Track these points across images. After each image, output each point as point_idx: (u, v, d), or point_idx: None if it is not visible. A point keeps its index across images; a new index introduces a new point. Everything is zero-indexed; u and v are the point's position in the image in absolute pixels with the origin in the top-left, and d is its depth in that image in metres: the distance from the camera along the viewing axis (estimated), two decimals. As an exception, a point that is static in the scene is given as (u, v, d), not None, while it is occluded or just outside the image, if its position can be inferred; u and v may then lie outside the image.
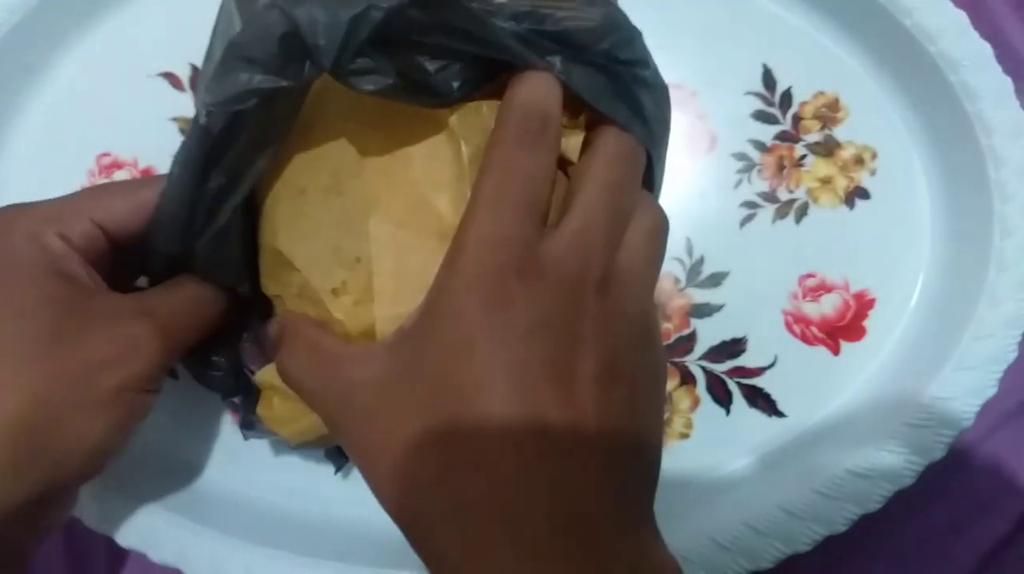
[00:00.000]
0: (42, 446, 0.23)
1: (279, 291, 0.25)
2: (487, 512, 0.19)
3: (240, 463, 0.33)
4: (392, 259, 0.22)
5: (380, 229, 0.23)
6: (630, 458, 0.20)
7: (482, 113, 0.23)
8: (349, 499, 0.32)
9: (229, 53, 0.20)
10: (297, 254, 0.24)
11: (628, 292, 0.22)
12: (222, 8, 0.24)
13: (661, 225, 0.24)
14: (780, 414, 0.32)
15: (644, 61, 0.24)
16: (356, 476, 0.32)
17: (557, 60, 0.22)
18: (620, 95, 0.23)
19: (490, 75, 0.23)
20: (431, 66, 0.22)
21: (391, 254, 0.22)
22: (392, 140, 0.23)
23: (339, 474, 0.32)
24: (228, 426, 0.33)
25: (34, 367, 0.22)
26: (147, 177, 0.31)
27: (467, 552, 0.19)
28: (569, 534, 0.19)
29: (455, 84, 0.22)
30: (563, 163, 0.23)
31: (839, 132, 0.33)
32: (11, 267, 0.24)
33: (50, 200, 0.25)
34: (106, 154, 0.34)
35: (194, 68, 0.34)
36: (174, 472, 0.33)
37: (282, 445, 0.33)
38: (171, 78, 0.34)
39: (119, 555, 0.31)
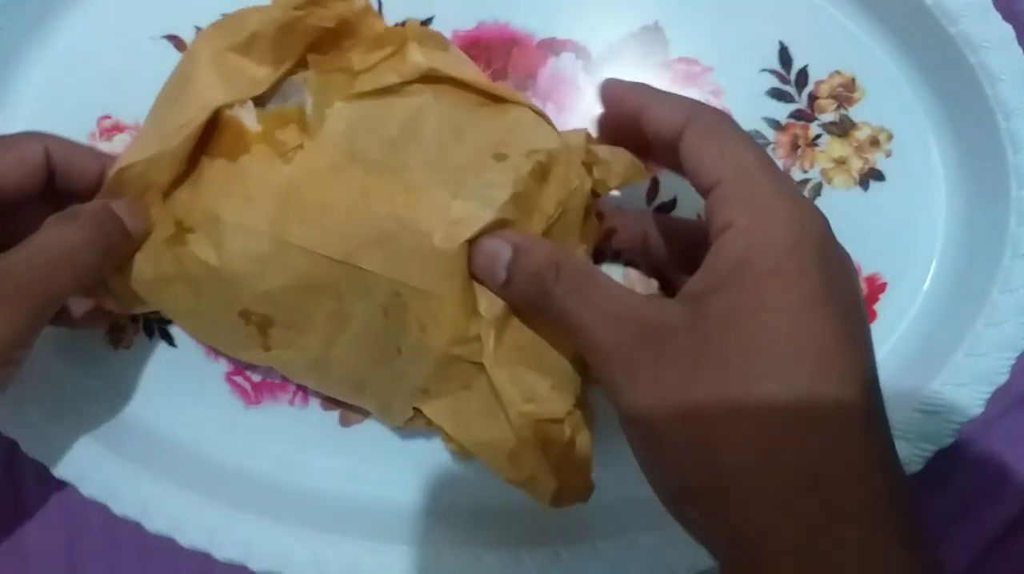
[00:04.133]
0: None
1: None
2: (790, 482, 0.19)
3: (237, 434, 0.33)
4: None
5: None
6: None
7: None
8: (344, 473, 0.32)
9: None
10: None
11: None
12: None
13: None
14: (787, 397, 0.31)
15: None
16: (351, 451, 0.32)
17: None
18: None
19: None
20: None
21: None
22: None
23: (334, 447, 0.32)
24: (225, 396, 0.33)
25: None
26: (32, 132, 0.27)
27: (768, 519, 0.19)
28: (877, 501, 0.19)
29: None
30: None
31: (855, 112, 0.33)
32: None
33: None
34: (107, 116, 0.34)
35: (198, 30, 0.33)
36: (170, 441, 0.32)
37: (281, 417, 0.33)
38: (175, 40, 0.34)
39: (114, 524, 0.30)
